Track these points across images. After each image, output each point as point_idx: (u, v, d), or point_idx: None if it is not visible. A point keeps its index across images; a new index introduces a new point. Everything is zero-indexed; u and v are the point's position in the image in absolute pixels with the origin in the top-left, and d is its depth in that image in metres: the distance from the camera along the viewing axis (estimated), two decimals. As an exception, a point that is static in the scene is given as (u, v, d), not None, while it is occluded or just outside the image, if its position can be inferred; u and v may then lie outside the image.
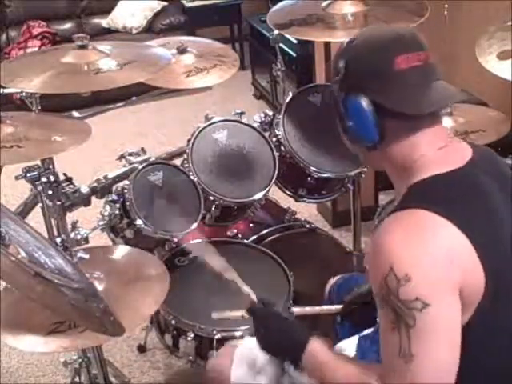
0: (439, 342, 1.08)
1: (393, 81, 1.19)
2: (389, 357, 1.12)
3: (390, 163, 1.25)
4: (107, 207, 1.95)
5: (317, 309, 1.66)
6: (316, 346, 1.30)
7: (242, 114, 2.21)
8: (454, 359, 1.09)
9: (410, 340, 1.08)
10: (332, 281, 1.75)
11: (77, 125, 1.77)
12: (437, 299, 1.07)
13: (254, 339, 1.44)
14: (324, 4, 2.16)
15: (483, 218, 1.15)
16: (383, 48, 1.20)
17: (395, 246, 1.09)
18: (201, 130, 2.12)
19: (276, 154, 2.16)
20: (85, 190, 1.90)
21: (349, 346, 1.52)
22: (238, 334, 1.87)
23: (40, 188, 1.76)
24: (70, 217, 1.84)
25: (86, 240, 1.80)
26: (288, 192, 2.30)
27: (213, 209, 2.08)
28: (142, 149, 2.11)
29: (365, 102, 1.19)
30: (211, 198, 2.04)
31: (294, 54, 3.91)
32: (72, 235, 1.78)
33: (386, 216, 1.19)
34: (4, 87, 1.77)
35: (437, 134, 1.21)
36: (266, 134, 2.21)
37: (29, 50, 4.85)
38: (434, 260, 1.07)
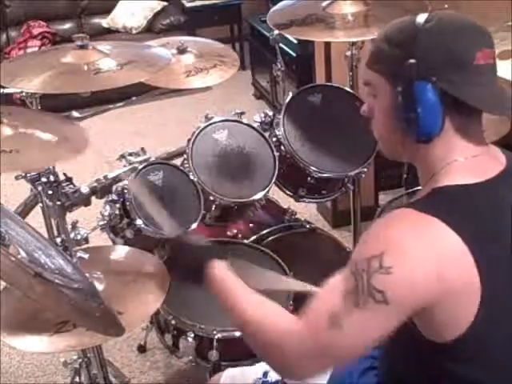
0: (366, 335, 1.09)
1: (471, 74, 1.13)
2: (317, 311, 1.12)
3: (424, 159, 1.20)
4: (107, 207, 1.95)
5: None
6: (223, 271, 1.33)
7: (242, 113, 2.21)
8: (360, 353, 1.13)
9: (349, 314, 1.08)
10: None
11: (75, 131, 1.75)
12: (396, 304, 1.06)
13: (237, 369, 1.50)
14: (324, 4, 2.16)
15: (496, 237, 1.12)
16: (467, 38, 1.15)
17: (397, 238, 1.08)
18: (201, 130, 2.12)
19: (276, 154, 2.16)
20: (85, 190, 1.90)
21: None
22: (237, 334, 1.87)
23: (40, 188, 1.76)
24: (70, 217, 1.84)
25: (86, 240, 1.80)
26: (288, 192, 2.30)
27: (213, 209, 2.07)
28: (142, 149, 2.11)
29: (437, 92, 1.12)
30: (211, 197, 2.04)
31: (294, 54, 3.91)
32: (72, 235, 1.77)
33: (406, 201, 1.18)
34: (4, 87, 1.77)
35: (477, 139, 1.18)
36: (266, 134, 2.21)
37: (29, 50, 4.86)
38: (420, 271, 1.05)
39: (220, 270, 1.34)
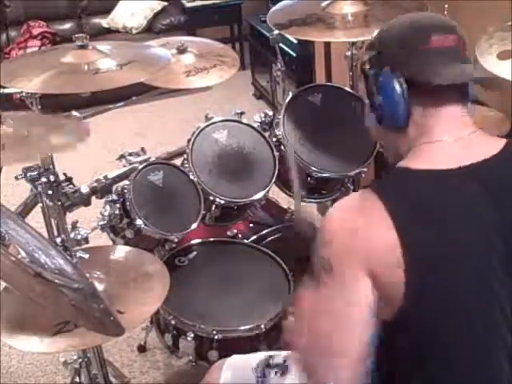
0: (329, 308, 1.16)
1: (418, 56, 1.20)
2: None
3: (406, 146, 1.25)
4: (107, 207, 1.95)
5: None
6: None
7: (242, 113, 2.21)
8: (338, 328, 1.15)
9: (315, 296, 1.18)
10: None
11: (77, 124, 1.76)
12: (342, 270, 1.14)
13: (242, 355, 1.54)
14: (324, 4, 2.16)
15: (436, 230, 1.13)
16: (417, 27, 1.23)
17: (339, 215, 1.19)
18: (201, 130, 2.12)
19: (276, 153, 2.16)
20: (85, 190, 1.90)
21: None
22: (237, 334, 1.88)
23: (40, 188, 1.76)
24: (70, 217, 1.84)
25: (86, 240, 1.80)
26: (288, 192, 2.30)
27: (213, 209, 2.08)
28: (142, 149, 2.11)
29: (398, 79, 1.20)
30: (211, 198, 2.04)
31: (294, 54, 3.91)
32: (72, 235, 1.77)
33: None
34: (4, 87, 1.77)
35: (455, 124, 1.21)
36: (266, 134, 2.21)
37: (29, 50, 4.85)
38: (351, 241, 1.14)
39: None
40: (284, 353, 1.50)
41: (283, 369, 1.47)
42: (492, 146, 1.21)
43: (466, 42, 1.24)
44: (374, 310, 1.14)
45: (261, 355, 1.55)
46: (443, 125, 1.21)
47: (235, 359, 1.57)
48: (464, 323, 1.14)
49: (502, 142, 1.23)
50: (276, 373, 1.47)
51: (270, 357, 1.52)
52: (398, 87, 1.20)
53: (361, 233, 1.13)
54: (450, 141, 1.19)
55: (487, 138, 1.24)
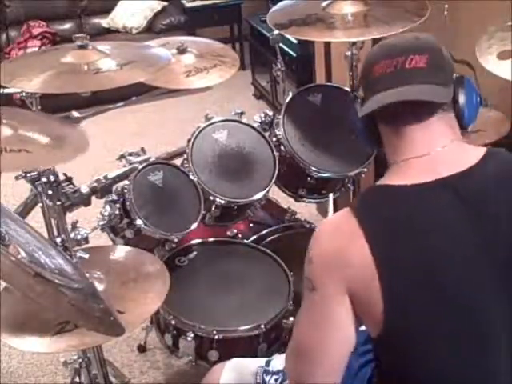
0: (309, 321, 1.22)
1: (368, 87, 1.27)
2: None
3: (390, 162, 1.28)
4: (107, 207, 1.95)
5: None
6: None
7: (242, 114, 2.21)
8: (316, 341, 1.20)
9: (300, 309, 1.25)
10: None
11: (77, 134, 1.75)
12: (321, 288, 1.18)
13: (241, 359, 1.57)
14: (324, 4, 2.16)
15: (410, 243, 1.15)
16: (368, 57, 1.29)
17: (319, 236, 1.23)
18: (201, 130, 2.12)
19: (276, 153, 2.16)
20: (85, 190, 1.90)
21: None
22: (237, 334, 1.88)
23: (40, 188, 1.76)
24: (70, 217, 1.84)
25: (86, 240, 1.80)
26: (288, 192, 2.30)
27: (213, 209, 2.08)
28: (142, 149, 2.11)
29: (359, 110, 1.29)
30: (211, 198, 2.04)
31: (294, 54, 3.91)
32: (72, 235, 1.77)
33: None
34: (4, 87, 1.77)
35: (422, 139, 1.21)
36: (266, 134, 2.21)
37: (29, 50, 4.85)
38: (329, 259, 1.18)
39: None
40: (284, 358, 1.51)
41: (282, 376, 1.47)
42: (469, 156, 1.22)
43: (430, 57, 1.22)
44: (356, 326, 1.18)
45: (261, 361, 1.55)
46: (412, 142, 1.22)
47: (235, 363, 1.57)
48: (451, 331, 1.15)
49: (481, 151, 1.24)
50: (276, 380, 1.48)
51: (270, 362, 1.52)
52: (357, 114, 1.30)
53: (337, 251, 1.17)
54: (426, 155, 1.20)
55: (464, 149, 1.25)
